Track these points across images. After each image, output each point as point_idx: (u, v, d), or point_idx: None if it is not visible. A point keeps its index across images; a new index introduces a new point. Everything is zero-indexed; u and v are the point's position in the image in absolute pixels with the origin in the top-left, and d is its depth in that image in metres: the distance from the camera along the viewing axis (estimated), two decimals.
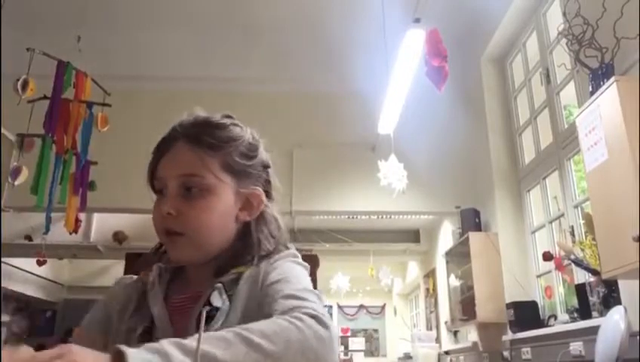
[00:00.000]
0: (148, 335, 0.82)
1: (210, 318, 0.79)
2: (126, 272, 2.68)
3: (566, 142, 3.46)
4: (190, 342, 0.62)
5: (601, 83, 2.47)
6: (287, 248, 0.94)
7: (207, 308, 0.79)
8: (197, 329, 0.67)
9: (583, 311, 2.97)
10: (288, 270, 0.85)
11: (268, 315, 0.73)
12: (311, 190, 4.92)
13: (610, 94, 2.34)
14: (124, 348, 0.59)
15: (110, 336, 0.88)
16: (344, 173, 5.02)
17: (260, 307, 0.79)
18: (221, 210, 0.87)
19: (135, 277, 0.97)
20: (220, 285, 0.83)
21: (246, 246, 0.90)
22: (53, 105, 3.24)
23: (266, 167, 0.95)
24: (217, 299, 0.81)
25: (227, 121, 0.92)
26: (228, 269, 0.87)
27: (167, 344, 0.62)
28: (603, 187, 2.40)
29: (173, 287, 0.91)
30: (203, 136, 0.87)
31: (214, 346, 0.62)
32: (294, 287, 0.78)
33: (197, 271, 0.90)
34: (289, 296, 0.76)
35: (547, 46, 3.78)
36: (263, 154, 0.95)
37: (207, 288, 0.84)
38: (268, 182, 0.95)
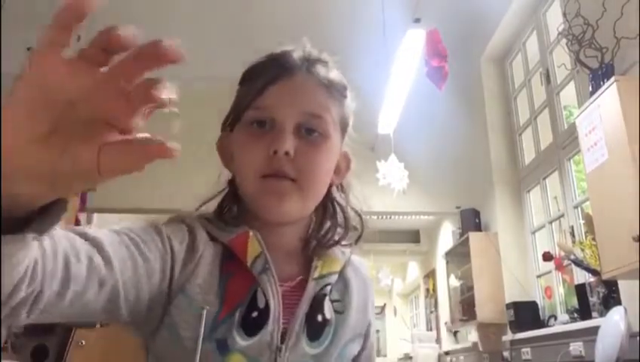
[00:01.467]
0: (249, 323, 0.66)
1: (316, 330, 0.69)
2: None
3: (566, 142, 3.46)
4: None
5: (601, 83, 2.47)
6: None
7: (320, 317, 0.70)
8: (298, 333, 0.65)
9: (583, 311, 2.97)
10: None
11: None
12: None
13: (610, 94, 2.34)
14: None
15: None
16: None
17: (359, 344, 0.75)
18: (332, 163, 0.74)
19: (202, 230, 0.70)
20: (329, 287, 0.71)
21: (327, 218, 0.77)
22: None
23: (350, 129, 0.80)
24: (329, 309, 0.70)
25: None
26: (315, 250, 0.74)
27: None
28: (603, 187, 2.40)
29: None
30: (330, 78, 0.74)
31: None
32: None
33: (280, 241, 0.73)
34: None
35: (547, 46, 3.78)
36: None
37: (308, 282, 0.71)
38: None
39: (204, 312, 0.63)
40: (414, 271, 8.38)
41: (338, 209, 0.78)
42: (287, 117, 0.69)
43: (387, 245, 7.26)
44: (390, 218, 6.04)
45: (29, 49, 3.16)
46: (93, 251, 0.53)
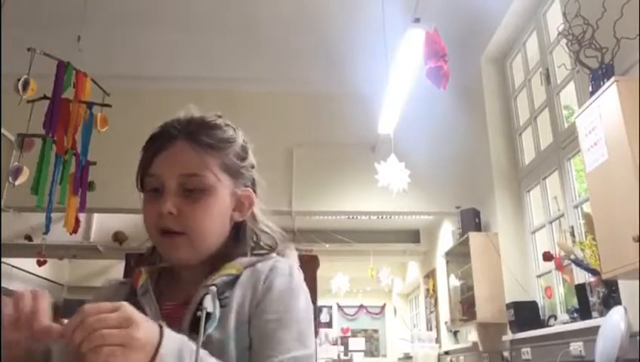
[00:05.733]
0: None
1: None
2: (126, 272, 2.68)
3: (566, 142, 3.46)
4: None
5: (601, 83, 2.47)
6: (282, 248, 0.94)
7: (203, 312, 0.78)
8: (190, 336, 0.70)
9: (583, 311, 2.97)
10: (289, 305, 0.83)
11: (258, 352, 0.78)
12: (311, 190, 4.93)
13: (610, 94, 2.34)
14: (164, 327, 0.65)
15: None
16: (344, 173, 5.01)
17: (251, 327, 0.81)
18: (220, 210, 0.87)
19: (123, 279, 0.96)
20: (214, 288, 0.81)
21: (238, 246, 0.90)
22: (53, 106, 3.23)
23: (253, 167, 0.95)
24: (210, 304, 0.79)
25: (221, 121, 0.92)
26: (222, 264, 0.86)
27: (186, 348, 0.67)
28: (603, 187, 2.40)
29: (164, 291, 0.89)
30: (203, 136, 0.87)
31: None
32: (293, 343, 0.79)
33: (188, 274, 0.89)
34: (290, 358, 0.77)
35: (547, 46, 3.78)
36: (251, 155, 0.95)
37: (199, 291, 0.82)
38: (254, 181, 0.95)
39: (204, 314, 0.73)
40: (414, 271, 8.38)
41: (249, 234, 0.93)
42: (169, 181, 0.84)
43: (387, 245, 7.27)
44: (390, 218, 6.04)
45: (29, 50, 3.16)
46: None
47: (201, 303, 0.79)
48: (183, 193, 0.84)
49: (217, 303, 0.80)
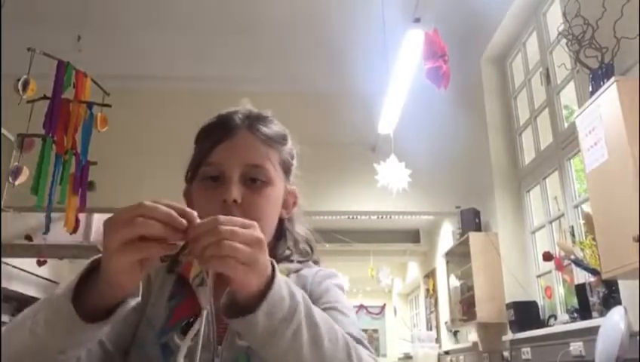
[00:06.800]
0: (187, 327, 0.78)
1: None
2: None
3: (566, 142, 3.46)
4: (315, 309, 0.68)
5: (601, 83, 2.47)
6: (317, 258, 0.96)
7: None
8: (234, 332, 0.73)
9: (583, 311, 2.97)
10: (338, 297, 0.84)
11: None
12: (311, 190, 4.92)
13: (610, 94, 2.34)
14: (277, 271, 0.65)
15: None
16: (344, 173, 5.02)
17: None
18: (277, 203, 0.88)
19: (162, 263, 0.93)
20: None
21: (280, 245, 0.91)
22: (53, 105, 3.23)
23: (296, 168, 0.97)
24: None
25: (275, 119, 0.93)
26: None
27: (301, 296, 0.66)
28: (603, 187, 2.40)
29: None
30: (265, 129, 0.88)
31: (326, 330, 0.66)
32: (358, 332, 0.78)
33: None
34: (357, 339, 0.74)
35: (547, 46, 3.78)
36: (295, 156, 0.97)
37: None
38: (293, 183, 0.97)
39: (205, 312, 0.71)
40: (414, 271, 8.38)
41: (289, 236, 0.93)
42: (232, 170, 0.83)
43: (387, 245, 7.27)
44: (390, 218, 6.05)
45: (29, 50, 3.16)
46: None
47: None
48: (246, 183, 0.83)
49: None
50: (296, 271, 0.88)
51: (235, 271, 0.59)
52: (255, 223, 0.62)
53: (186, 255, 0.62)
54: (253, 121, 0.88)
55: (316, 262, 0.94)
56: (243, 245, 0.59)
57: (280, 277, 0.64)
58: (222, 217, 0.60)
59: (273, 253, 0.88)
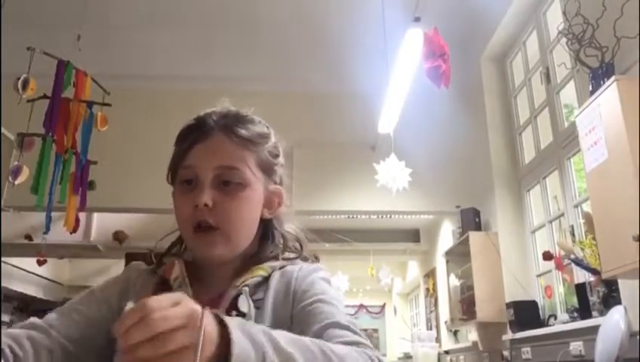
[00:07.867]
0: None
1: None
2: None
3: (566, 141, 3.46)
4: (280, 338, 0.61)
5: (602, 82, 2.47)
6: (308, 256, 0.94)
7: (234, 312, 0.77)
8: None
9: (583, 310, 2.97)
10: (325, 289, 0.83)
11: (316, 333, 0.73)
12: (311, 189, 4.92)
13: (610, 94, 2.34)
14: (230, 324, 0.57)
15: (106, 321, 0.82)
16: (344, 173, 5.01)
17: (297, 322, 0.78)
18: (254, 205, 0.86)
19: (145, 266, 0.92)
20: (246, 289, 0.80)
21: (266, 245, 0.90)
22: (53, 105, 3.23)
23: (282, 165, 0.94)
24: (244, 304, 0.78)
25: (256, 117, 0.91)
26: (248, 269, 0.84)
27: (262, 336, 0.60)
28: (603, 186, 2.40)
29: (193, 286, 0.85)
30: (240, 129, 0.86)
31: (300, 353, 0.61)
32: (345, 319, 0.76)
33: (216, 270, 0.87)
34: (344, 326, 0.74)
35: (547, 45, 3.78)
36: (282, 153, 0.94)
37: (229, 291, 0.81)
38: (281, 180, 0.94)
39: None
40: (414, 270, 8.38)
41: (277, 235, 0.92)
42: (205, 173, 0.82)
43: (387, 244, 7.27)
44: (390, 217, 6.04)
45: (29, 49, 3.16)
46: (31, 332, 0.78)
47: (234, 303, 0.78)
48: (219, 186, 0.82)
49: (251, 304, 0.79)
50: (281, 268, 0.87)
51: (184, 358, 0.52)
52: (181, 296, 0.56)
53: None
54: (229, 121, 0.86)
55: (306, 259, 0.92)
56: (179, 329, 0.52)
57: (235, 334, 0.56)
58: (149, 302, 0.53)
59: (258, 252, 0.88)
